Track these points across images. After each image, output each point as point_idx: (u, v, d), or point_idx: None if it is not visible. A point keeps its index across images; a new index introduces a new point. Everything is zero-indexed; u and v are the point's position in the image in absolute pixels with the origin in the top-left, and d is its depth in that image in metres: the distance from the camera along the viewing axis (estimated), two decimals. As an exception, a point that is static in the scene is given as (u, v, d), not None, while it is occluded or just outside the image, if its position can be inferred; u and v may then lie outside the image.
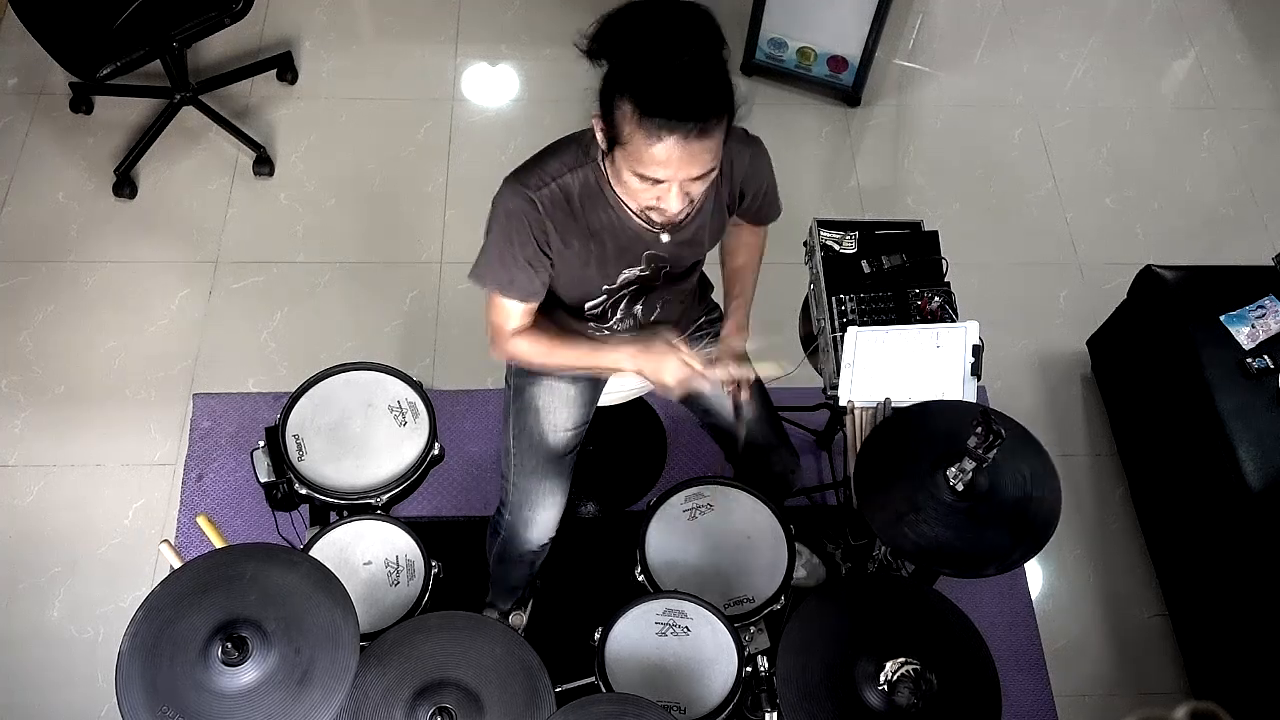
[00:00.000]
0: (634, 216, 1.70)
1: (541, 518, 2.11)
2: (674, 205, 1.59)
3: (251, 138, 3.19)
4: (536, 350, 1.84)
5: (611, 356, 1.82)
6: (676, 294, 1.95)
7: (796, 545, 2.07)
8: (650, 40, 1.47)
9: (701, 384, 1.81)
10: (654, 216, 1.67)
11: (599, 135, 1.58)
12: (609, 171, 1.64)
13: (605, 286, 1.81)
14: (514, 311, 1.80)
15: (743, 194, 1.84)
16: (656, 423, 2.82)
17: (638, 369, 1.80)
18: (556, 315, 1.94)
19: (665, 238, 1.75)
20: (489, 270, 1.76)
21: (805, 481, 2.43)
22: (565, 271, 1.77)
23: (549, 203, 1.68)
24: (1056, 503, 1.86)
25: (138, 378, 2.85)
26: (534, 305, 1.82)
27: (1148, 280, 2.69)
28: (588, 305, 1.84)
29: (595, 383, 2.11)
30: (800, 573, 2.42)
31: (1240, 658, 2.42)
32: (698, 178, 1.55)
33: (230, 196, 3.17)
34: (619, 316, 1.90)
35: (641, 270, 1.80)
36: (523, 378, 2.06)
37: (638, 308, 1.90)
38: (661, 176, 1.53)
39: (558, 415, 2.05)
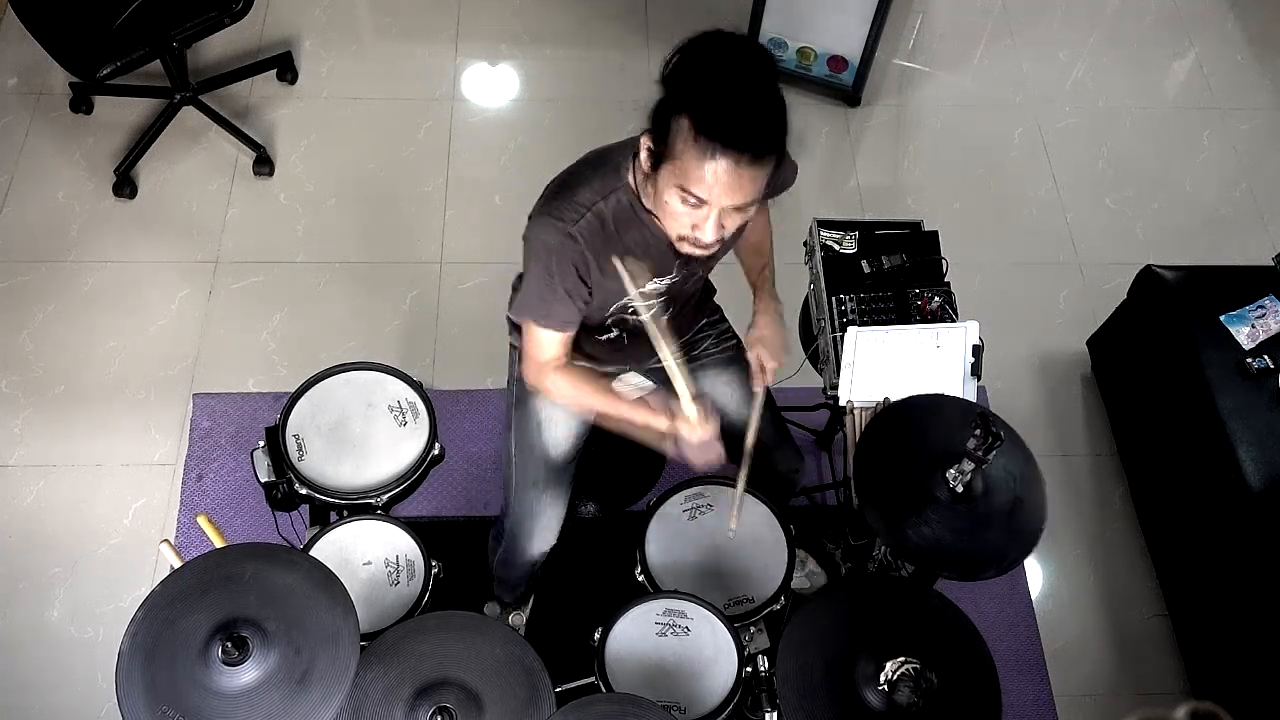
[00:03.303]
0: (667, 231, 1.68)
1: (543, 527, 2.12)
2: (709, 235, 1.59)
3: (251, 138, 3.19)
4: (571, 391, 1.85)
5: (645, 415, 1.81)
6: (694, 296, 1.97)
7: (799, 552, 2.07)
8: (719, 67, 1.49)
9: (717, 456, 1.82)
10: (685, 247, 1.65)
11: (644, 155, 1.57)
12: (649, 191, 1.63)
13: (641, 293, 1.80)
14: (549, 342, 1.79)
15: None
16: (656, 423, 2.82)
17: (671, 431, 1.78)
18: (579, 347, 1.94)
19: None
20: (526, 305, 1.76)
21: (805, 481, 2.43)
22: (600, 292, 1.77)
23: (586, 233, 1.67)
24: (1043, 506, 1.87)
25: (138, 378, 2.85)
26: (570, 335, 1.80)
27: (1148, 280, 2.69)
28: (612, 310, 1.84)
29: None
30: (804, 583, 2.42)
31: (1240, 658, 2.42)
32: (738, 208, 1.55)
33: (230, 196, 3.17)
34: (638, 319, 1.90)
35: (673, 278, 1.80)
36: (525, 387, 2.05)
37: (665, 318, 1.90)
38: (705, 196, 1.53)
39: (559, 428, 2.05)
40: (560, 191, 1.70)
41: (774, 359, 1.94)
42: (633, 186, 1.67)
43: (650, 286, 1.80)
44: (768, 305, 1.99)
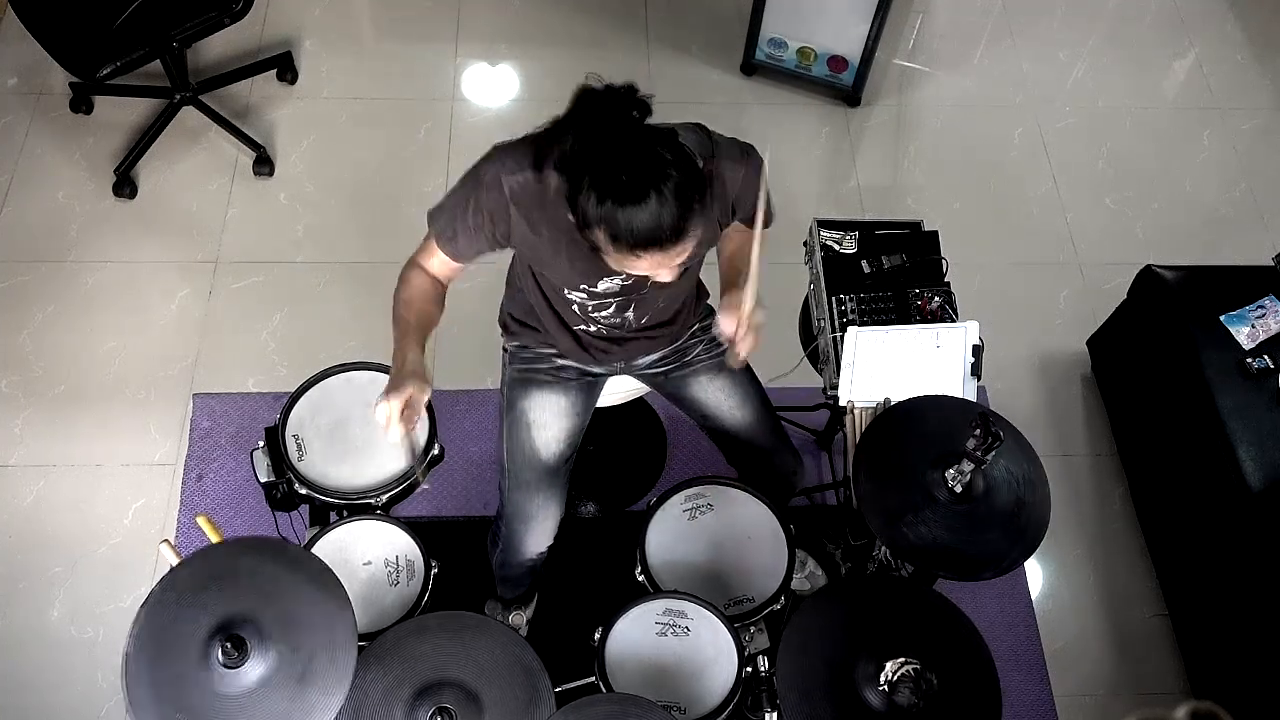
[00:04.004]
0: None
1: (537, 530, 2.11)
2: (667, 278, 1.63)
3: (251, 138, 3.19)
4: (400, 297, 1.83)
5: (395, 359, 1.77)
6: (668, 299, 1.92)
7: (799, 553, 2.06)
8: (612, 158, 1.44)
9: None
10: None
11: (572, 216, 1.53)
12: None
13: (584, 286, 1.79)
14: (434, 252, 1.81)
15: (734, 209, 1.80)
16: (656, 423, 2.82)
17: (388, 389, 1.73)
18: (551, 293, 1.90)
19: None
20: (442, 214, 1.76)
21: (805, 481, 2.43)
22: (535, 256, 1.76)
23: (519, 190, 1.66)
24: (1046, 507, 1.86)
25: (138, 378, 2.85)
26: (453, 266, 1.83)
27: (1148, 280, 2.69)
28: (568, 294, 1.83)
29: (589, 393, 2.10)
30: (804, 585, 2.43)
31: (1240, 658, 2.42)
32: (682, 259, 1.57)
33: (230, 196, 3.18)
34: (607, 314, 1.88)
35: (625, 280, 1.76)
36: (515, 390, 2.05)
37: (628, 314, 1.89)
38: (644, 274, 1.59)
39: (549, 429, 2.04)
40: (524, 143, 1.68)
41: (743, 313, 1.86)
42: None
43: (603, 285, 1.78)
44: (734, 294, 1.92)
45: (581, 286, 1.79)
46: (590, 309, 1.86)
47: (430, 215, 1.79)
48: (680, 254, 1.54)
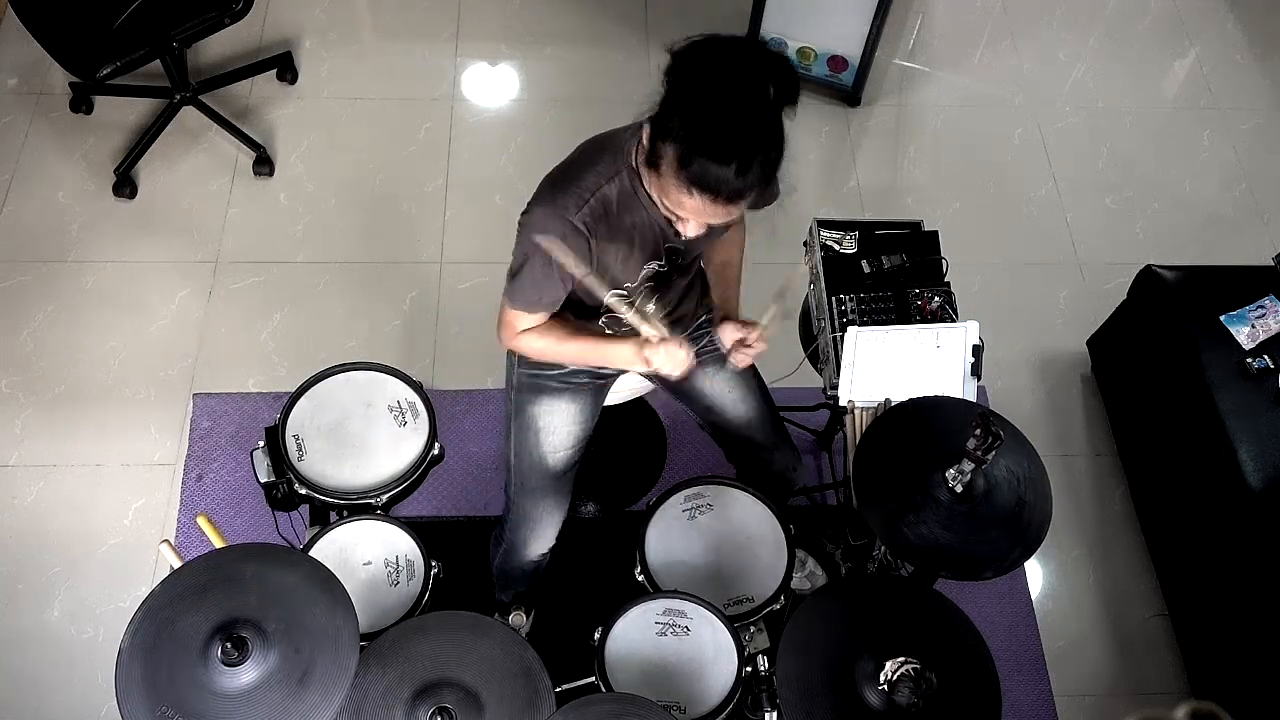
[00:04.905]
0: (660, 212, 1.69)
1: (541, 534, 2.12)
2: (690, 233, 1.65)
3: (251, 138, 3.19)
4: (544, 344, 1.87)
5: (616, 351, 1.86)
6: (685, 288, 1.96)
7: (799, 552, 2.06)
8: (713, 97, 1.48)
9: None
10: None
11: (644, 140, 1.58)
12: (649, 175, 1.63)
13: (628, 284, 1.81)
14: (533, 319, 1.83)
15: None
16: (656, 423, 2.82)
17: (645, 359, 1.83)
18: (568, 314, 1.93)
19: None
20: (521, 292, 1.78)
21: (805, 481, 2.43)
22: (599, 271, 1.77)
23: (590, 219, 1.68)
24: (1048, 506, 1.87)
25: (138, 378, 2.85)
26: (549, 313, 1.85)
27: (1148, 280, 2.69)
28: (609, 300, 1.84)
29: (596, 398, 2.11)
30: (804, 584, 2.43)
31: (1240, 658, 2.42)
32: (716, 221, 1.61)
33: (230, 196, 3.17)
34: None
35: (661, 265, 1.81)
36: (524, 395, 2.05)
37: (650, 305, 1.90)
38: (683, 216, 1.60)
39: (558, 435, 2.05)
40: (564, 178, 1.70)
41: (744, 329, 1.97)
42: (634, 167, 1.66)
43: (642, 273, 1.80)
44: (730, 321, 2.01)
45: (625, 285, 1.81)
46: (624, 305, 1.87)
47: (511, 298, 1.80)
48: (722, 215, 1.57)
